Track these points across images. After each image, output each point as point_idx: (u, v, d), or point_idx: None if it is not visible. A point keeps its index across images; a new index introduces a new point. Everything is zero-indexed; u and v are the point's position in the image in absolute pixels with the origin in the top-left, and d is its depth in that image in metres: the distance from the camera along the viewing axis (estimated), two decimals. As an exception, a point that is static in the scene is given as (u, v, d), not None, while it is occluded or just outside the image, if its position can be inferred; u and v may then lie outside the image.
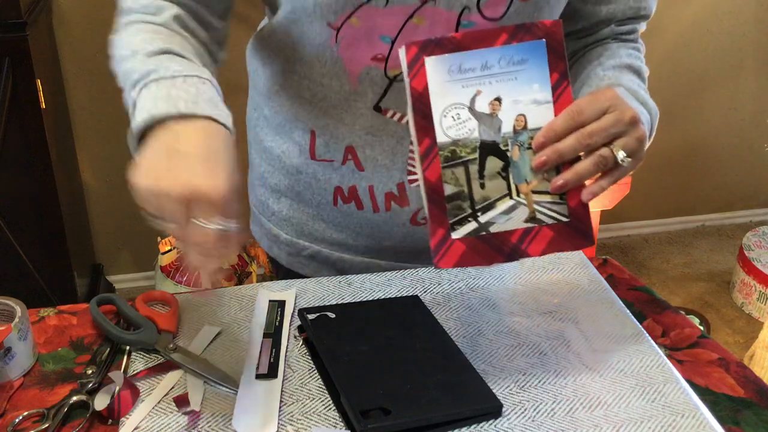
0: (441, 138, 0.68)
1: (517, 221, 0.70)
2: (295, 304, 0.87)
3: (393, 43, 0.80)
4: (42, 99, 1.86)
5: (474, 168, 0.69)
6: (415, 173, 0.90)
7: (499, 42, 0.69)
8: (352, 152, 0.90)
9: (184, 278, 2.13)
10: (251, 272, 2.23)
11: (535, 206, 0.71)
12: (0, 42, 1.76)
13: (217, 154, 0.65)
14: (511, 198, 0.70)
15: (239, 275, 2.18)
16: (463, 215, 0.69)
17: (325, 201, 0.96)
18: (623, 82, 0.82)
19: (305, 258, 1.02)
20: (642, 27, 0.94)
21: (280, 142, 0.96)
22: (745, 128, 2.90)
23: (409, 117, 0.69)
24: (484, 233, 0.69)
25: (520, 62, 0.70)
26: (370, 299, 0.89)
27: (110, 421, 0.70)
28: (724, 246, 2.92)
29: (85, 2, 2.16)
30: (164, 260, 2.15)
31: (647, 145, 0.76)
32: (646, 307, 0.90)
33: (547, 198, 0.71)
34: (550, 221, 0.71)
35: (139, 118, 0.68)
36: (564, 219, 0.71)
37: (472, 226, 0.69)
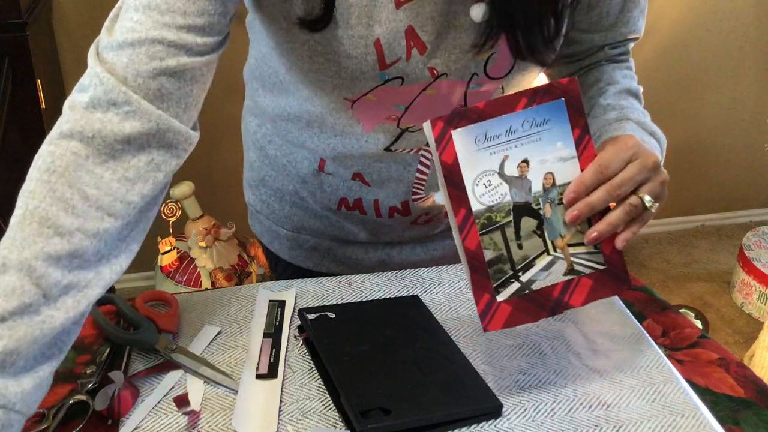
0: (476, 206, 0.70)
1: (557, 275, 0.72)
2: (295, 304, 0.87)
3: (406, 109, 0.82)
4: (42, 99, 1.86)
5: (510, 230, 0.71)
6: (419, 193, 0.92)
7: (520, 106, 0.71)
8: (360, 176, 0.91)
9: (184, 278, 2.13)
10: (251, 272, 2.23)
11: (572, 258, 0.73)
12: (0, 42, 1.76)
13: None
14: (548, 254, 0.72)
15: (239, 275, 2.18)
16: (505, 277, 0.71)
17: (328, 207, 0.97)
18: (629, 114, 0.83)
19: (306, 251, 1.03)
20: (632, 45, 0.95)
21: (287, 153, 0.96)
22: (745, 128, 2.90)
23: (442, 189, 0.70)
24: (527, 292, 0.71)
25: (543, 123, 0.71)
26: (371, 299, 0.89)
27: (110, 421, 0.70)
28: (724, 246, 2.92)
29: (85, 2, 2.16)
30: (164, 260, 2.15)
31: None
32: (646, 307, 0.90)
33: (583, 249, 0.73)
34: (587, 271, 0.73)
35: None
36: (601, 267, 0.73)
37: (515, 286, 0.71)
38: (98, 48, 0.68)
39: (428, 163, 0.89)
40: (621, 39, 0.91)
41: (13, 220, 0.62)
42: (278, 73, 0.87)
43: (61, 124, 0.65)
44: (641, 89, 0.92)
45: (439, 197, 0.92)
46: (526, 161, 0.71)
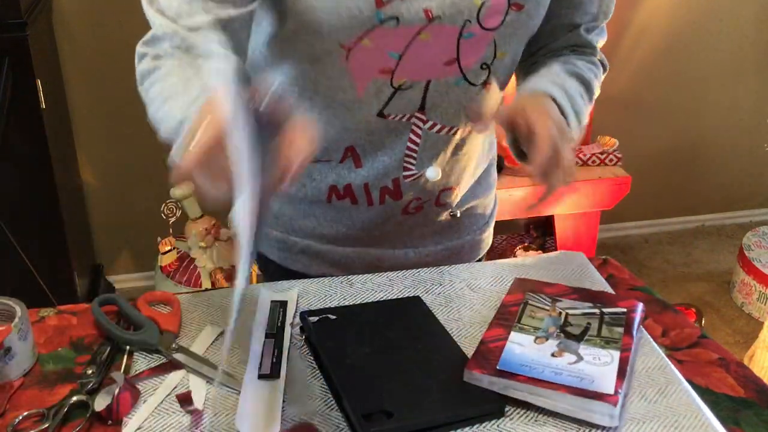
0: None
1: None
2: (297, 304, 0.87)
3: (400, 57, 0.82)
4: (42, 99, 1.86)
5: None
6: (411, 169, 0.91)
7: None
8: (353, 151, 0.90)
9: (184, 278, 2.13)
10: (251, 272, 2.23)
11: None
12: (0, 42, 1.76)
13: None
14: None
15: (239, 275, 2.18)
16: None
17: (318, 199, 0.96)
18: (549, 88, 0.86)
19: (296, 254, 1.03)
20: (599, 38, 0.96)
21: None
22: (745, 128, 2.90)
23: None
24: None
25: None
26: (372, 300, 0.89)
27: (110, 421, 0.70)
28: (724, 246, 2.92)
29: (85, 2, 2.16)
30: (164, 260, 2.15)
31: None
32: (646, 307, 0.90)
33: None
34: None
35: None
36: None
37: None
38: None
39: (419, 132, 0.89)
40: (595, 13, 0.93)
41: (163, 91, 0.75)
42: (271, 50, 0.88)
43: (153, 56, 0.78)
44: (594, 80, 0.93)
45: (431, 173, 0.93)
46: None
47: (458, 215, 1.01)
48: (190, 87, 0.72)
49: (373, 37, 0.80)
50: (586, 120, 0.90)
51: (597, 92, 0.95)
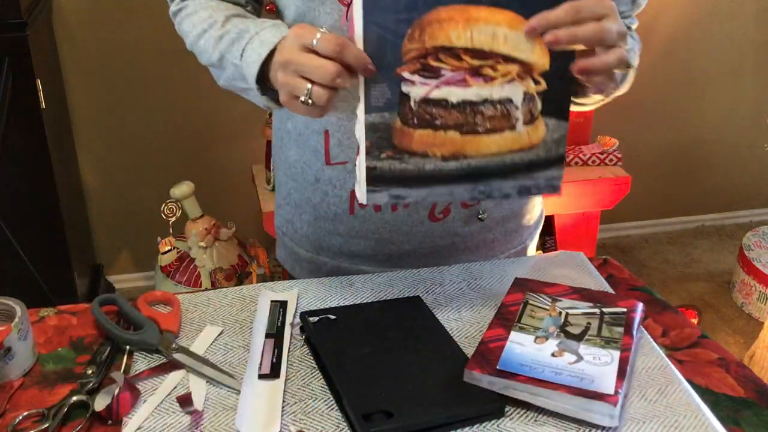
0: None
1: None
2: (297, 304, 0.87)
3: None
4: (42, 99, 1.86)
5: None
6: None
7: None
8: None
9: (184, 278, 2.13)
10: (251, 272, 2.23)
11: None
12: (0, 42, 1.76)
13: None
14: None
15: (239, 275, 2.18)
16: None
17: (341, 209, 0.96)
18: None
19: (325, 275, 1.02)
20: (634, 23, 0.96)
21: (300, 153, 0.97)
22: (745, 128, 2.90)
23: None
24: None
25: None
26: (372, 300, 0.89)
27: (110, 421, 0.70)
28: (724, 246, 2.92)
29: (85, 2, 2.16)
30: (164, 260, 2.15)
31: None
32: (646, 307, 0.90)
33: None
34: None
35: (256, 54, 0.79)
36: None
37: None
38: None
39: None
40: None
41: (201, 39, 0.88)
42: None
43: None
44: (634, 43, 0.92)
45: None
46: None
47: (485, 218, 0.99)
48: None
49: None
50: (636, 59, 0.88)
51: (636, 58, 0.92)
